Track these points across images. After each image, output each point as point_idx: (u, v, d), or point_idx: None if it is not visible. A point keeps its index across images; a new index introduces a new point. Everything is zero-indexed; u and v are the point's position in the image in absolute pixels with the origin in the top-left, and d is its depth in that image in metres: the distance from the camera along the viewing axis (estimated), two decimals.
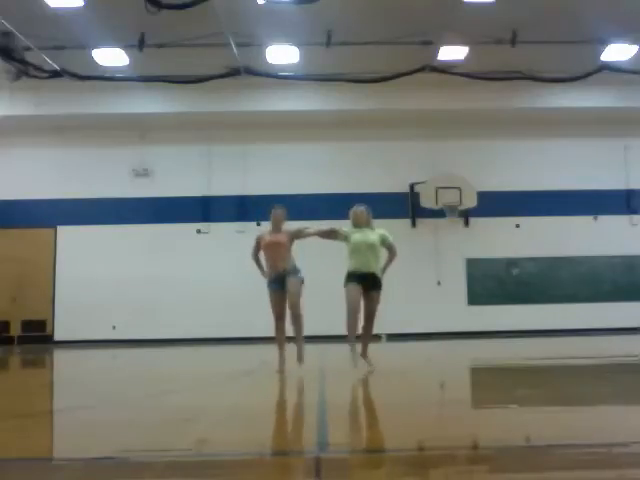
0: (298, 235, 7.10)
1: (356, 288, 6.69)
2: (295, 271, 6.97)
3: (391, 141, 14.65)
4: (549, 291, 14.51)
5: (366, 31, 11.23)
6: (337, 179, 14.51)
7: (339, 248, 7.16)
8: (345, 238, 6.90)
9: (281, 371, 6.72)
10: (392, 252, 6.89)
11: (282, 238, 6.98)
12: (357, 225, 6.94)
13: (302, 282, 6.97)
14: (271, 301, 7.01)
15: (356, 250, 6.78)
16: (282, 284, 6.90)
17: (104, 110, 13.75)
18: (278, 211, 7.17)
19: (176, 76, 12.49)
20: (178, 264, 14.23)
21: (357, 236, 6.82)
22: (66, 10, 10.44)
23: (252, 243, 7.30)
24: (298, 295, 6.88)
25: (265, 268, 7.10)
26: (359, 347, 6.78)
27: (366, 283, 6.71)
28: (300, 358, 6.85)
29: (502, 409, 4.41)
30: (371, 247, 6.76)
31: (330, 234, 7.04)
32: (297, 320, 6.90)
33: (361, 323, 6.83)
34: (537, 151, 14.82)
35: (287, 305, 6.91)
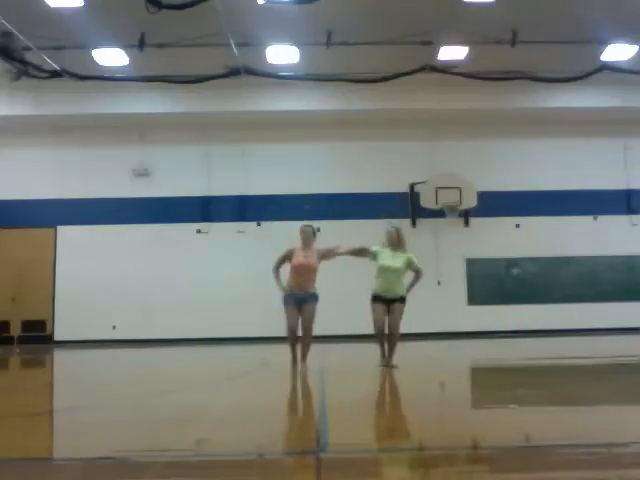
0: (328, 255, 7.35)
1: (380, 307, 7.15)
2: (313, 296, 7.26)
3: (391, 141, 14.64)
4: (549, 291, 14.50)
5: (366, 31, 11.23)
6: (337, 179, 14.50)
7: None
8: (373, 257, 7.28)
9: (294, 363, 7.11)
10: (418, 275, 7.31)
11: (313, 261, 7.22)
12: (389, 245, 7.29)
13: (317, 303, 7.29)
14: (287, 316, 7.29)
15: (382, 273, 7.19)
16: (299, 303, 7.20)
17: (104, 110, 13.74)
18: (308, 229, 7.40)
19: (176, 76, 12.49)
20: (178, 264, 14.23)
21: (384, 260, 7.18)
22: (66, 10, 10.44)
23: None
24: (312, 322, 7.29)
25: (287, 282, 7.28)
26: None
27: (390, 301, 7.16)
28: (304, 358, 7.26)
29: (502, 409, 4.41)
30: (395, 272, 7.16)
31: (360, 252, 7.43)
32: (308, 337, 7.32)
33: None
34: (537, 151, 14.82)
35: (300, 324, 7.27)
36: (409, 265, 7.21)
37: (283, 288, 7.27)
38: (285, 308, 7.30)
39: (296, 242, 7.47)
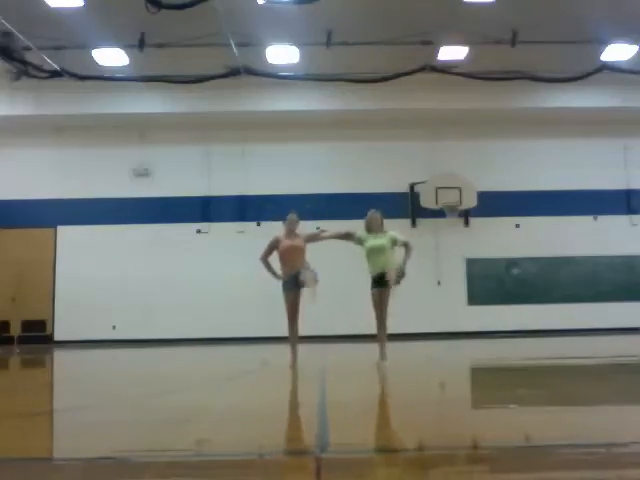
0: (314, 239, 7.46)
1: (380, 293, 7.18)
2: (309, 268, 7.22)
3: (391, 141, 14.64)
4: (549, 291, 14.50)
5: (366, 31, 11.23)
6: (337, 179, 14.51)
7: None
8: (359, 241, 7.40)
9: (293, 367, 7.01)
10: (408, 248, 7.38)
11: (299, 243, 7.29)
12: (370, 230, 7.40)
13: (316, 277, 7.21)
14: (286, 302, 7.25)
15: (370, 255, 7.28)
16: (297, 285, 7.14)
17: (104, 110, 13.74)
18: (293, 216, 7.49)
19: (176, 76, 12.50)
20: (178, 264, 14.23)
21: (369, 242, 7.31)
22: (66, 10, 10.45)
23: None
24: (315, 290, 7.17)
25: (281, 271, 7.32)
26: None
27: (382, 281, 7.16)
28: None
29: (502, 409, 4.41)
30: (381, 250, 7.23)
31: (345, 236, 7.51)
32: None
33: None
34: (537, 151, 14.82)
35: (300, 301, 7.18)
36: (394, 242, 7.30)
37: (278, 276, 7.31)
38: (285, 294, 7.24)
39: None
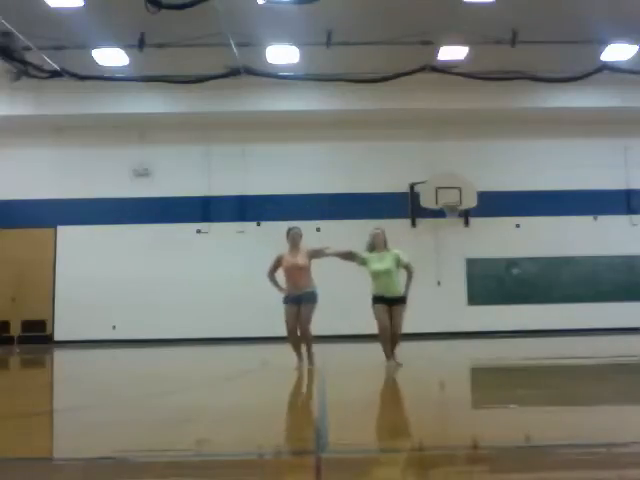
0: (317, 255, 7.48)
1: (382, 307, 7.21)
2: (312, 296, 7.35)
3: (391, 141, 14.64)
4: (549, 291, 14.49)
5: (366, 31, 11.23)
6: (337, 179, 14.50)
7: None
8: (362, 262, 7.36)
9: (298, 368, 7.14)
10: (409, 272, 7.28)
11: (303, 261, 7.32)
12: (374, 248, 7.36)
13: (315, 303, 7.37)
14: (285, 316, 7.37)
15: (375, 277, 7.27)
16: (298, 303, 7.29)
17: (104, 110, 13.74)
18: (295, 231, 7.51)
19: (176, 76, 12.50)
20: (178, 264, 14.22)
21: (374, 264, 7.26)
22: (66, 10, 10.45)
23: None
24: (309, 320, 7.34)
25: (285, 285, 7.43)
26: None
27: (390, 302, 7.20)
28: (311, 362, 7.38)
29: (502, 409, 4.41)
30: (387, 273, 7.20)
31: (348, 256, 7.47)
32: (307, 339, 7.39)
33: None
34: (537, 151, 14.82)
35: (298, 324, 7.32)
36: (398, 262, 7.23)
37: (283, 290, 7.41)
38: (284, 307, 7.39)
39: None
